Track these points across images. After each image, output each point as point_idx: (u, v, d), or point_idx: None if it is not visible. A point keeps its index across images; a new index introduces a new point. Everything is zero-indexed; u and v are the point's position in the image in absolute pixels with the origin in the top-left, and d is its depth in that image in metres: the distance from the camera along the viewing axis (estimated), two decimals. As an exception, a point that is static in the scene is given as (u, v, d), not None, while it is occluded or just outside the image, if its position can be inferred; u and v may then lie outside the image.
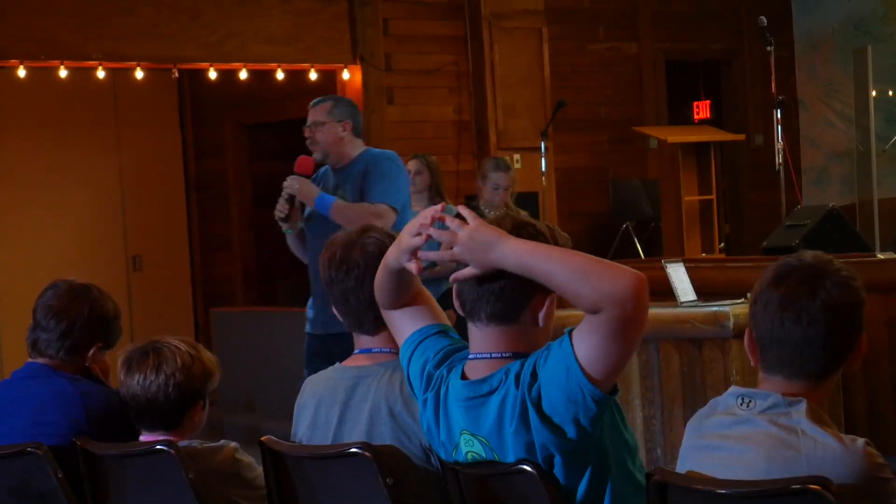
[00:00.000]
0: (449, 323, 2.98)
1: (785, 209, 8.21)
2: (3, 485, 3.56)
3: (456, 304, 2.77)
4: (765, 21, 8.26)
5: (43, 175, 10.32)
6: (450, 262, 2.71)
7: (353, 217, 5.49)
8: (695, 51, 11.76)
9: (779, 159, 8.15)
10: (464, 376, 2.75)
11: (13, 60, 8.88)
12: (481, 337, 2.73)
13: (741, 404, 2.61)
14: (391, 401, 3.08)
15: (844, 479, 2.43)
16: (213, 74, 9.52)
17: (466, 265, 2.68)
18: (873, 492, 2.46)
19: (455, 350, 2.85)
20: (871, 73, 10.40)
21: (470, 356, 2.76)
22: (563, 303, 2.70)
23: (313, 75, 9.75)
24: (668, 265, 6.02)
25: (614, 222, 10.71)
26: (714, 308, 5.65)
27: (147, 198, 10.94)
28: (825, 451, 2.48)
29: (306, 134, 5.79)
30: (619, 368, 2.59)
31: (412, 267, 2.80)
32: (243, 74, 9.55)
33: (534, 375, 2.62)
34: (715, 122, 11.86)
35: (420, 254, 2.79)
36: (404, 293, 2.91)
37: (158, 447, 3.30)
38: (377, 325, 3.18)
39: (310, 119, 5.79)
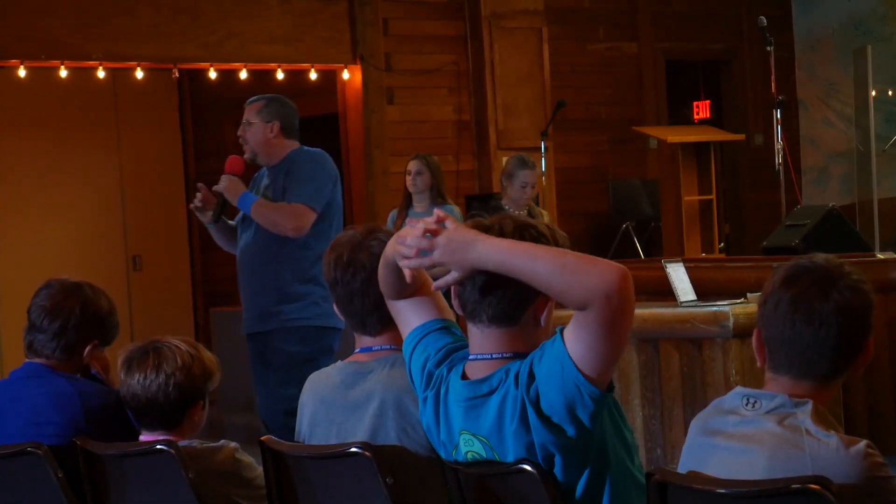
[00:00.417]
0: (453, 317, 2.97)
1: (785, 209, 8.22)
2: (3, 485, 3.56)
3: (455, 303, 2.76)
4: (765, 21, 8.26)
5: (43, 175, 10.32)
6: (433, 268, 2.69)
7: (269, 216, 5.61)
8: (695, 51, 11.76)
9: (779, 159, 8.15)
10: (464, 376, 2.75)
11: (13, 60, 8.88)
12: (482, 338, 2.72)
13: (747, 405, 2.61)
14: (392, 393, 3.08)
15: (846, 479, 2.44)
16: (213, 74, 9.52)
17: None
18: (874, 491, 2.47)
19: (456, 349, 2.84)
20: (871, 73, 10.40)
21: (470, 357, 2.76)
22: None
23: (313, 75, 9.75)
24: (668, 265, 6.02)
25: (614, 222, 10.71)
26: (714, 308, 5.65)
27: (147, 198, 10.93)
28: (828, 451, 2.48)
29: (238, 133, 5.82)
30: (613, 363, 2.58)
31: (406, 275, 2.79)
32: (243, 74, 9.55)
33: (531, 375, 2.61)
34: (715, 122, 11.87)
35: (402, 263, 2.76)
36: (408, 285, 2.88)
37: (158, 447, 3.30)
38: (380, 328, 3.18)
39: (244, 118, 5.82)
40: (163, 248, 11.08)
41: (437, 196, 7.43)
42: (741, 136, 11.10)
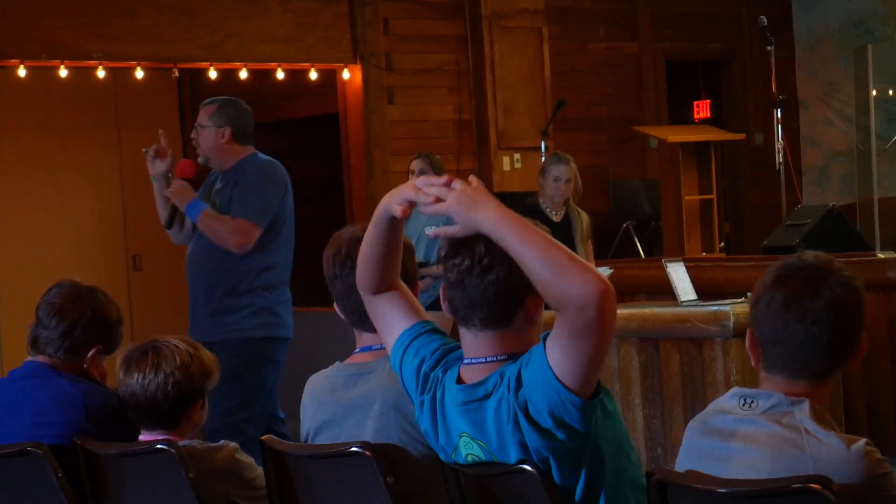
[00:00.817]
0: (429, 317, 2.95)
1: (785, 209, 8.22)
2: (3, 484, 3.56)
3: (444, 306, 2.74)
4: (765, 21, 8.27)
5: (43, 175, 10.31)
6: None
7: (214, 228, 5.58)
8: (695, 51, 11.76)
9: (779, 159, 8.16)
10: (459, 380, 2.73)
11: (14, 60, 8.87)
12: (475, 342, 2.71)
13: (743, 405, 2.60)
14: (394, 392, 3.07)
15: (847, 478, 2.44)
16: (213, 74, 9.51)
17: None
18: (874, 489, 2.47)
19: (450, 349, 2.83)
20: (872, 73, 10.40)
21: (465, 361, 2.74)
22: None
23: (314, 75, 9.74)
24: (668, 265, 6.02)
25: (614, 222, 10.70)
26: (714, 307, 5.65)
27: (147, 198, 10.75)
28: (829, 450, 2.48)
29: (191, 135, 5.78)
30: (592, 373, 2.54)
31: (397, 210, 2.72)
32: (243, 74, 9.55)
33: (519, 381, 2.60)
34: (715, 121, 11.87)
35: (419, 199, 2.66)
36: (389, 267, 2.85)
37: (159, 447, 3.30)
38: (378, 322, 3.17)
39: (197, 120, 5.76)
40: (163, 248, 11.02)
41: (439, 195, 7.40)
42: (741, 136, 11.10)
